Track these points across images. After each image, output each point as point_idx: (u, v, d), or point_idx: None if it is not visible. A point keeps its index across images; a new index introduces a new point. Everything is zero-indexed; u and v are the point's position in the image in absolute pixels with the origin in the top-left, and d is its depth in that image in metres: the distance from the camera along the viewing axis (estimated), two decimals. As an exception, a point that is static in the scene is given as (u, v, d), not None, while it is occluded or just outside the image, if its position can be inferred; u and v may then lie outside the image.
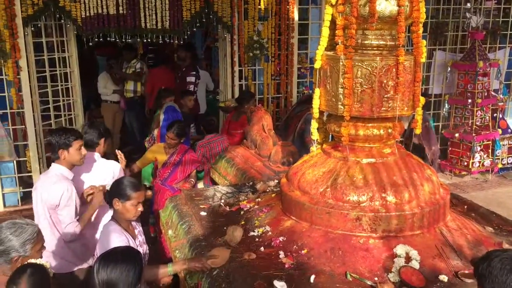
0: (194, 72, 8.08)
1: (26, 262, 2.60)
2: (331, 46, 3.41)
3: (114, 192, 3.21)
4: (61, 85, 6.71)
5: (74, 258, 3.58)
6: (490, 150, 7.89)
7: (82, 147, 3.56)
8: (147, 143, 6.27)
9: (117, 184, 3.24)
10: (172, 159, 5.11)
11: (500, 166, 8.03)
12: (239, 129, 6.35)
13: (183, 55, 8.27)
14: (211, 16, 6.76)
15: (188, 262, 3.11)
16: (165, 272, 3.08)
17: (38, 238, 2.71)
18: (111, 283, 2.31)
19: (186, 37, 6.86)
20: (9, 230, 2.63)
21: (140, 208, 3.20)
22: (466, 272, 2.86)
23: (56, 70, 6.61)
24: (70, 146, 3.47)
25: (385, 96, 3.17)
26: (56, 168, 3.51)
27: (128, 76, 8.34)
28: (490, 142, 7.86)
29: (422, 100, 3.30)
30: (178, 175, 5.07)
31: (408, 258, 2.87)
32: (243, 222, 3.60)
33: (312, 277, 2.82)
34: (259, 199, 3.97)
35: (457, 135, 7.76)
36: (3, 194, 6.28)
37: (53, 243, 3.46)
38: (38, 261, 2.68)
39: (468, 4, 8.07)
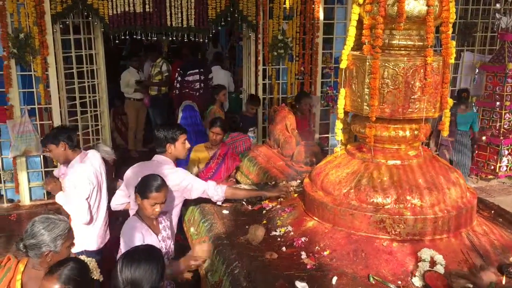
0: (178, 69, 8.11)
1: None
2: (358, 46, 3.37)
3: (138, 187, 3.25)
4: (88, 82, 6.82)
5: None
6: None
7: (186, 141, 3.78)
8: None
9: (142, 180, 3.28)
10: (215, 158, 5.00)
11: (528, 170, 7.84)
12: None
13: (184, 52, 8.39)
14: (236, 15, 6.76)
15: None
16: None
17: (69, 235, 2.77)
18: (135, 282, 2.35)
19: (210, 35, 6.89)
20: (42, 224, 2.69)
21: (157, 209, 3.23)
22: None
23: (83, 67, 6.72)
24: (177, 140, 3.71)
25: (412, 97, 3.12)
26: (163, 159, 3.72)
27: (153, 84, 8.51)
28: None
29: (450, 101, 3.24)
30: (222, 174, 4.96)
31: (433, 263, 2.82)
32: (265, 222, 3.59)
33: (334, 279, 2.80)
34: (281, 199, 3.96)
35: (484, 138, 7.61)
36: (29, 188, 6.41)
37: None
38: (86, 258, 2.76)
39: (498, 5, 7.89)
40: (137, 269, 2.37)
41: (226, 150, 5.09)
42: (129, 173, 3.76)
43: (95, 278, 2.75)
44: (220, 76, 8.43)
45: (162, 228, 3.32)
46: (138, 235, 3.12)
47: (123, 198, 3.81)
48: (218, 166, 4.99)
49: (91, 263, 2.80)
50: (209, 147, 5.09)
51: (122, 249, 3.17)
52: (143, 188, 3.22)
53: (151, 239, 3.16)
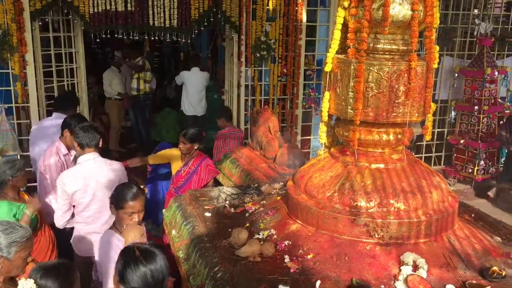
0: None
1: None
2: (342, 49, 3.38)
3: (112, 198, 3.17)
4: (67, 81, 6.69)
5: None
6: (495, 158, 7.85)
7: None
8: None
9: (116, 189, 3.19)
10: (186, 167, 4.82)
11: (505, 174, 7.98)
12: None
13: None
14: (219, 16, 6.72)
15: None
16: None
17: (26, 244, 2.60)
18: (157, 273, 2.25)
19: (193, 35, 6.84)
20: (1, 227, 2.55)
21: (135, 219, 3.12)
22: (474, 282, 2.82)
23: (62, 65, 6.59)
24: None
25: (396, 101, 3.13)
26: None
27: (133, 66, 8.78)
28: (496, 149, 7.82)
29: (433, 106, 3.27)
30: (193, 185, 4.73)
31: (415, 267, 2.84)
32: (248, 225, 3.56)
33: (318, 283, 2.79)
34: (264, 202, 3.94)
35: (462, 141, 7.73)
36: (6, 188, 6.26)
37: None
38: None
39: (476, 11, 8.02)
40: (154, 262, 2.25)
41: (201, 160, 4.85)
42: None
43: None
44: (198, 77, 8.44)
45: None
46: (114, 252, 2.95)
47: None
48: (189, 176, 4.79)
49: None
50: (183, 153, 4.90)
51: (99, 263, 3.07)
52: (117, 198, 3.12)
53: None
